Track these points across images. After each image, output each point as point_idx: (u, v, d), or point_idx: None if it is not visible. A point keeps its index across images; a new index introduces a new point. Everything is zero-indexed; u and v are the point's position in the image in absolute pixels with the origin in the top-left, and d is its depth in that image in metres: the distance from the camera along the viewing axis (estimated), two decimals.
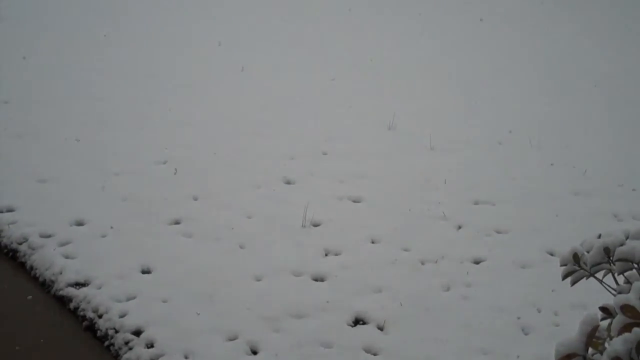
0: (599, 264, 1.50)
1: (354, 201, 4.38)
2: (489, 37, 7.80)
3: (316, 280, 3.49)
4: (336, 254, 3.73)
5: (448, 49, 7.47)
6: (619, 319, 1.23)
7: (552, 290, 3.38)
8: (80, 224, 3.89)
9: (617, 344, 1.17)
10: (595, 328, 1.23)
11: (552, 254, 3.79)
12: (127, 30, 7.79)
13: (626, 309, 1.23)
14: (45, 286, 3.42)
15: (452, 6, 9.48)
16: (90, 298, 3.26)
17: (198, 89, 6.21)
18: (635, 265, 1.45)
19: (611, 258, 1.49)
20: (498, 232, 4.06)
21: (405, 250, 3.79)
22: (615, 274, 1.50)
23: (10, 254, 3.70)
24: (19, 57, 6.57)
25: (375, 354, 2.98)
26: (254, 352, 2.95)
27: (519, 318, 3.24)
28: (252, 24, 8.36)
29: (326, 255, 3.72)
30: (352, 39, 7.70)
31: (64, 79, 6.15)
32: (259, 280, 3.46)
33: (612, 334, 1.25)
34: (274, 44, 7.55)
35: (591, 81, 6.92)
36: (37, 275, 3.50)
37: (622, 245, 1.48)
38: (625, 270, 1.48)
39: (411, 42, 7.47)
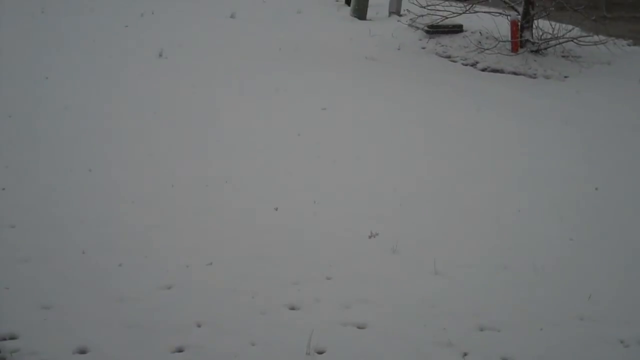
0: None
1: (359, 327, 4.36)
2: (484, 159, 7.88)
3: None
4: None
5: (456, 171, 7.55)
6: None
7: None
8: (82, 351, 3.87)
9: None
10: None
11: None
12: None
13: None
14: None
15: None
16: None
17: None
18: None
19: None
20: None
21: None
22: None
23: None
24: (26, 180, 6.63)
25: None
26: None
27: None
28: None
29: None
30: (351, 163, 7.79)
31: (68, 200, 6.20)
32: None
33: None
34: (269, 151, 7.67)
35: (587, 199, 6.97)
36: None
37: None
38: None
39: (414, 161, 7.54)
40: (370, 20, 14.40)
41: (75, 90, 8.88)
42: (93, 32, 11.72)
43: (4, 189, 6.15)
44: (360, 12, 14.59)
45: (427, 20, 13.01)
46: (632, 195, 6.97)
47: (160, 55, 10.61)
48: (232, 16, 13.67)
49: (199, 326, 4.24)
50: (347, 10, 14.99)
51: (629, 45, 13.39)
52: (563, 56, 12.16)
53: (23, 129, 7.53)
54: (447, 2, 12.58)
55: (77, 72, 9.65)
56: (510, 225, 6.18)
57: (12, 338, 4.01)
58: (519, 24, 12.11)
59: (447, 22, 12.77)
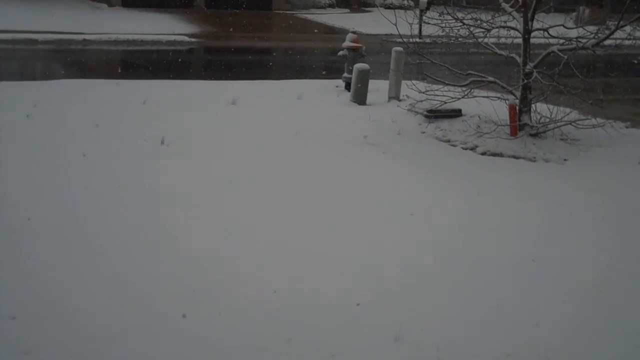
0: None
1: None
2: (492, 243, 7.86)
3: None
4: None
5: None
6: None
7: None
8: None
9: None
10: None
11: None
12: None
13: None
14: None
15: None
16: None
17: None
18: None
19: None
20: None
21: None
22: None
23: None
24: (26, 269, 6.62)
25: None
26: None
27: None
28: None
29: None
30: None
31: (70, 292, 6.18)
32: None
33: None
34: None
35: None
36: None
37: None
38: None
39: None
40: (370, 105, 14.57)
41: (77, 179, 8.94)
42: (93, 121, 11.84)
43: None
44: (360, 98, 14.77)
45: (427, 105, 13.18)
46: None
47: (163, 142, 10.71)
48: (233, 103, 13.84)
49: None
50: (347, 95, 15.19)
51: (627, 127, 13.53)
52: (562, 139, 12.26)
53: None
54: (445, 88, 12.76)
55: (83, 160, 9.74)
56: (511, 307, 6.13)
57: None
58: (517, 108, 12.24)
59: (446, 106, 12.94)
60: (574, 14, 30.38)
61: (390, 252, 7.31)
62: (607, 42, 12.09)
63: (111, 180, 9.00)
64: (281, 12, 38.01)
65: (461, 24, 12.72)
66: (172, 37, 26.43)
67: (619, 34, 11.90)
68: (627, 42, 12.42)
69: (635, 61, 15.77)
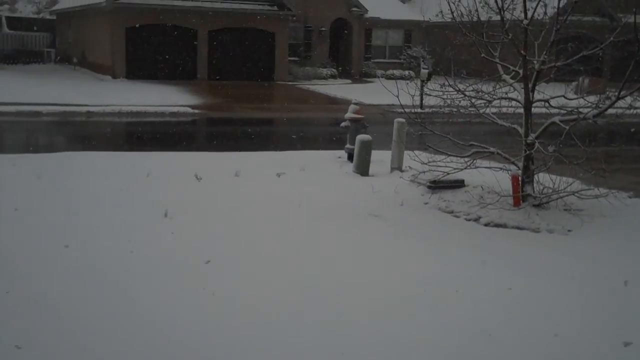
0: None
1: None
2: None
3: None
4: None
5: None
6: None
7: None
8: None
9: None
10: None
11: None
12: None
13: None
14: None
15: None
16: None
17: None
18: None
19: None
20: None
21: None
22: None
23: None
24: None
25: None
26: None
27: None
28: None
29: None
30: None
31: None
32: None
33: None
34: None
35: None
36: None
37: None
38: None
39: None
40: (372, 176, 14.61)
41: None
42: (97, 193, 11.88)
43: None
44: (363, 169, 14.82)
45: (429, 175, 13.20)
46: None
47: (166, 215, 10.70)
48: (237, 174, 13.88)
49: None
50: (350, 166, 15.25)
51: (629, 197, 13.52)
52: (565, 210, 12.24)
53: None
54: (448, 158, 12.80)
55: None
56: None
57: None
58: (520, 178, 12.26)
59: (449, 177, 12.96)
60: (574, 83, 30.76)
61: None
62: (608, 111, 12.16)
63: (112, 251, 8.98)
64: (283, 83, 38.48)
65: (463, 95, 12.82)
66: (175, 109, 26.72)
67: (619, 103, 11.98)
68: (628, 112, 12.49)
69: (632, 129, 15.86)
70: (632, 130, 16.00)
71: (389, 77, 40.77)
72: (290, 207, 11.76)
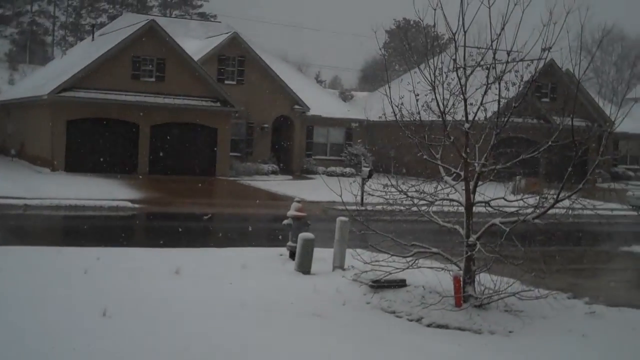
0: None
1: None
2: None
3: None
4: None
5: None
6: None
7: None
8: None
9: None
10: None
11: None
12: None
13: None
14: None
15: None
16: None
17: None
18: None
19: None
20: None
21: None
22: None
23: None
24: None
25: None
26: None
27: None
28: None
29: None
30: None
31: None
32: None
33: None
34: None
35: None
36: None
37: None
38: None
39: None
40: (314, 274, 14.54)
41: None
42: (32, 292, 11.56)
43: None
44: (305, 267, 14.74)
45: (371, 275, 13.17)
46: None
47: (104, 314, 10.43)
48: (177, 272, 13.68)
49: None
50: (292, 264, 15.15)
51: (569, 298, 13.66)
52: (506, 310, 12.30)
53: None
54: (390, 258, 12.81)
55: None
56: None
57: None
58: (462, 279, 12.32)
59: (391, 277, 12.95)
60: (511, 183, 31.43)
61: None
62: (548, 212, 12.37)
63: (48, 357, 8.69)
64: (225, 178, 38.47)
65: (405, 195, 12.95)
66: (114, 203, 26.39)
67: (559, 204, 12.22)
68: (568, 213, 12.74)
69: (571, 230, 16.18)
70: (570, 230, 16.32)
71: (330, 174, 41.11)
72: (232, 307, 11.57)
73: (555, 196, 11.98)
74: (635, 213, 22.31)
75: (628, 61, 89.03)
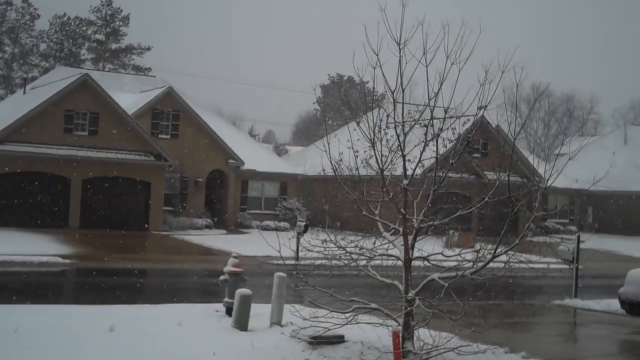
0: None
1: None
2: None
3: None
4: None
5: None
6: None
7: None
8: None
9: None
10: None
11: None
12: None
13: None
14: None
15: None
16: None
17: None
18: None
19: None
20: None
21: None
22: None
23: None
24: None
25: None
26: None
27: None
28: None
29: None
30: None
31: None
32: None
33: None
34: None
35: None
36: None
37: None
38: None
39: None
40: (252, 331, 14.32)
41: None
42: None
43: None
44: (242, 323, 14.52)
45: (310, 331, 13.05)
46: None
47: None
48: (111, 330, 13.32)
49: None
50: (229, 321, 14.92)
51: (506, 352, 13.72)
52: None
53: None
54: (329, 314, 12.72)
55: None
56: None
57: None
58: (401, 334, 12.28)
59: (330, 332, 12.84)
60: (445, 237, 31.78)
61: None
62: (486, 267, 12.49)
63: None
64: (158, 232, 37.98)
65: (344, 251, 12.93)
66: (44, 258, 25.74)
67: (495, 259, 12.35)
68: (505, 267, 12.87)
69: (492, 288, 16.37)
70: (506, 284, 16.49)
71: (264, 228, 40.94)
72: None
73: (492, 251, 12.11)
74: (567, 267, 22.72)
75: (555, 117, 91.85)
